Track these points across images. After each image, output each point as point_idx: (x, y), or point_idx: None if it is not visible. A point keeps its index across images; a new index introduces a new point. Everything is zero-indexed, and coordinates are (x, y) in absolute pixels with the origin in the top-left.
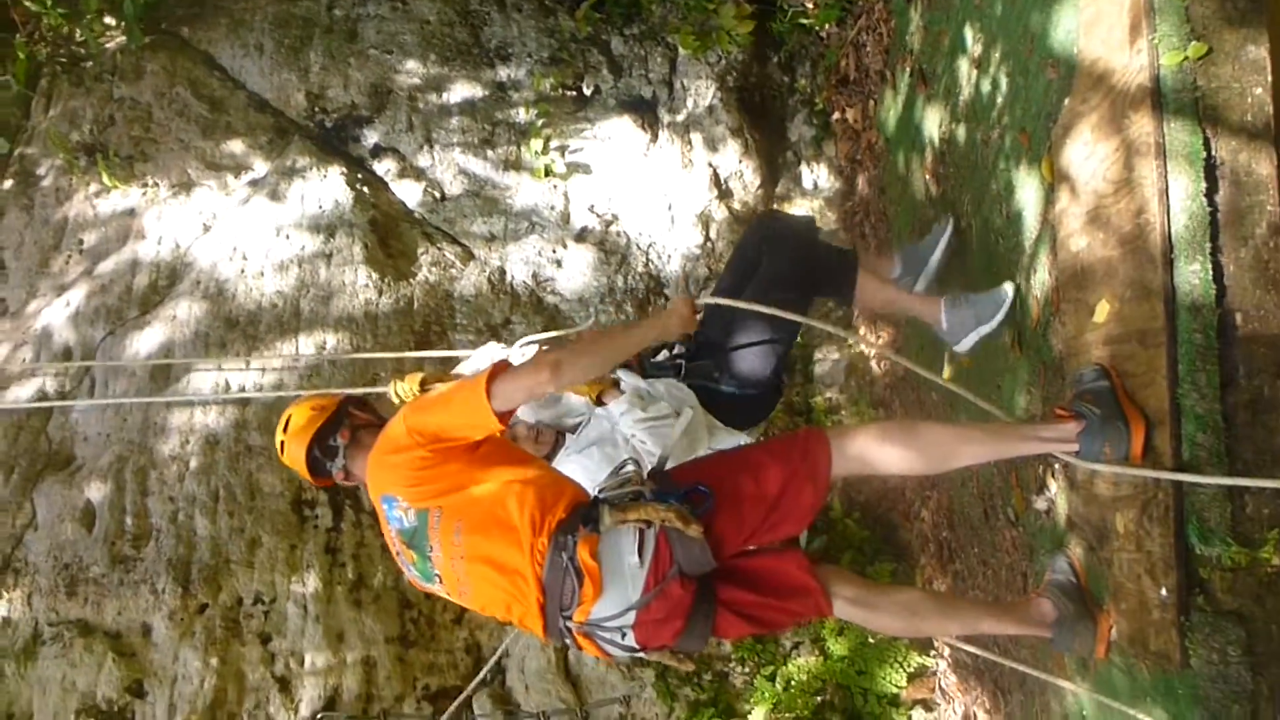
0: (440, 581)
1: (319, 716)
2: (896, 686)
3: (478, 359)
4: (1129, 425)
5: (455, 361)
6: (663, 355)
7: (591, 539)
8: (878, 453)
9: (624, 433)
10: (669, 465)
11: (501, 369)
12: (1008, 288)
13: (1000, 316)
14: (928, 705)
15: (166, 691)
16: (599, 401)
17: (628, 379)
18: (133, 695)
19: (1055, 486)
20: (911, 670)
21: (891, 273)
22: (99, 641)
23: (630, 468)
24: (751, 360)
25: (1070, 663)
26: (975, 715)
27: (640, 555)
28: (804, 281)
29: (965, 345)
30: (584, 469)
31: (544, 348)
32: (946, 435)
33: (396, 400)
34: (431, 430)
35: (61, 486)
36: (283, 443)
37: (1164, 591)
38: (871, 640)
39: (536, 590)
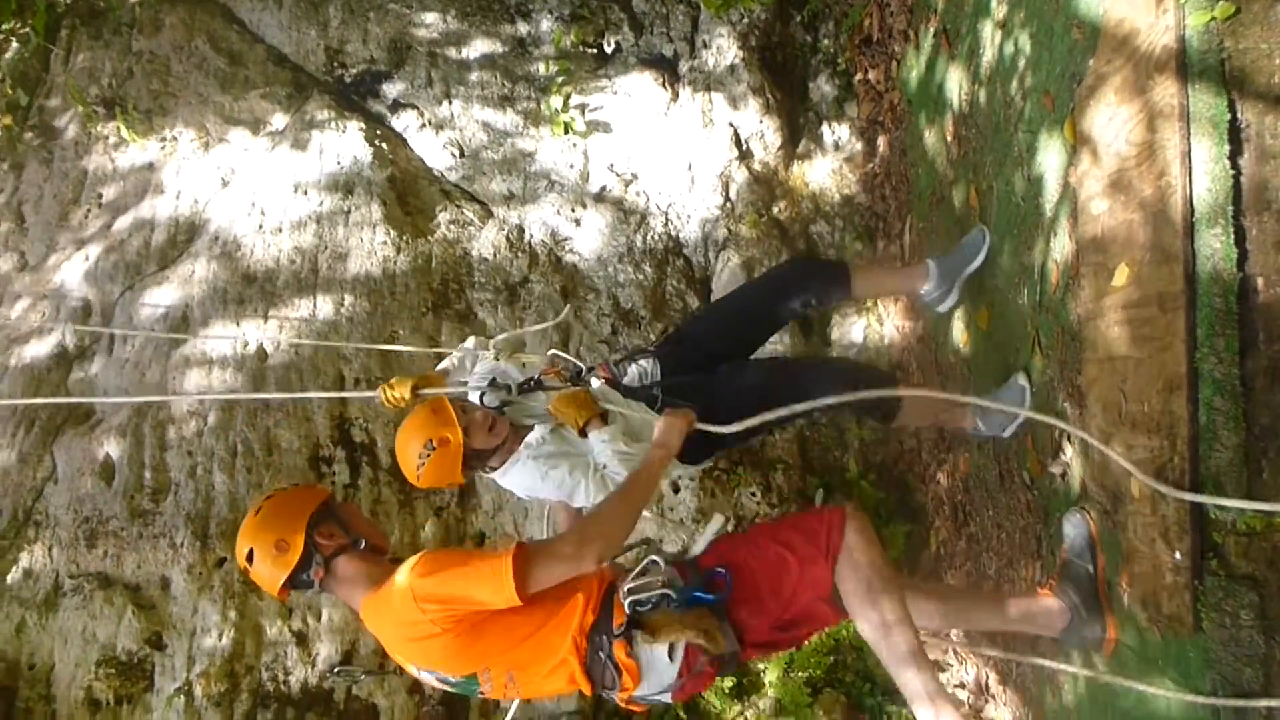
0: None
1: (336, 670)
2: None
3: (458, 355)
4: (1104, 631)
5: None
6: (633, 374)
7: (624, 643)
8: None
9: (598, 460)
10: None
11: (526, 552)
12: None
13: (981, 257)
14: (940, 666)
15: (185, 644)
16: (583, 433)
17: (606, 395)
18: (152, 647)
19: (1070, 451)
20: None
21: (925, 283)
22: (119, 594)
23: (657, 567)
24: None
25: None
26: (986, 676)
27: (671, 656)
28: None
29: (950, 302)
30: (539, 480)
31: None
32: (952, 600)
33: (388, 406)
34: (448, 608)
35: (81, 440)
36: (256, 572)
37: (1178, 555)
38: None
39: (585, 683)
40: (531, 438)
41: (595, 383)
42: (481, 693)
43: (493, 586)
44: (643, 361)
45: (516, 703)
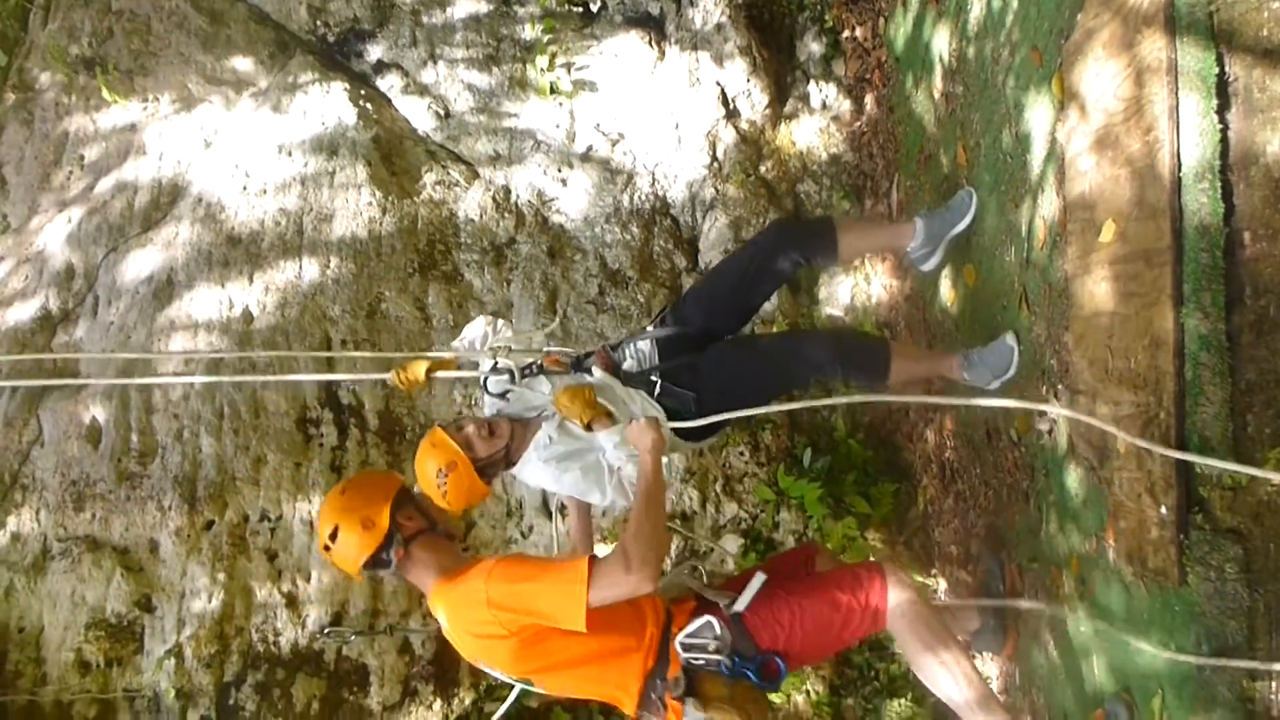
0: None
1: (326, 631)
2: None
3: (469, 334)
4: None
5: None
6: (631, 360)
7: (679, 704)
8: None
9: (611, 463)
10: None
11: (595, 572)
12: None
13: (969, 218)
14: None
15: (175, 606)
16: (588, 428)
17: (607, 388)
18: (141, 609)
19: (1059, 407)
20: None
21: (911, 241)
22: (107, 557)
23: (713, 630)
24: (735, 406)
25: (1067, 582)
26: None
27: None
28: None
29: (934, 261)
30: (555, 479)
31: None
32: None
33: (401, 387)
34: (519, 619)
35: (67, 404)
36: (339, 553)
37: (1163, 510)
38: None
39: (633, 710)
40: (539, 438)
41: (596, 372)
42: (537, 690)
43: (566, 609)
44: (640, 344)
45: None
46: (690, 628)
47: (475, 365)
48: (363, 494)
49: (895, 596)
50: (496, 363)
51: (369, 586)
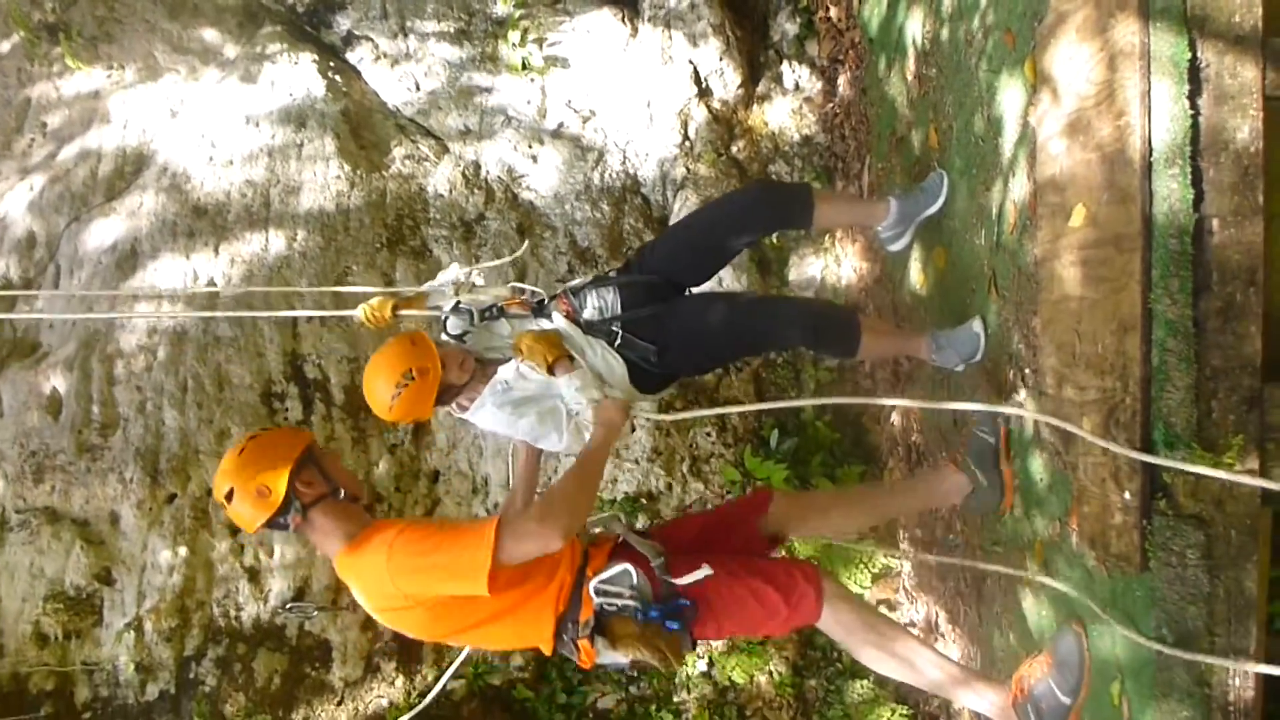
0: None
1: (288, 606)
2: (861, 587)
3: (442, 277)
4: (1003, 494)
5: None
6: (592, 307)
7: (588, 641)
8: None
9: (570, 406)
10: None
11: (499, 533)
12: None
13: (940, 202)
14: (891, 605)
15: (135, 579)
16: (550, 371)
17: (568, 330)
18: (101, 582)
19: (1024, 392)
20: (876, 571)
21: (884, 220)
22: (67, 529)
23: (630, 578)
24: (697, 359)
25: (1030, 567)
26: (937, 615)
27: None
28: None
29: (903, 242)
30: (509, 424)
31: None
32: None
33: (369, 325)
34: (424, 593)
35: (27, 373)
36: (235, 512)
37: (1127, 495)
38: (838, 541)
39: (549, 650)
40: (496, 381)
41: (557, 319)
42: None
43: (470, 578)
44: (603, 291)
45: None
46: (606, 574)
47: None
48: (262, 457)
49: (830, 609)
50: (459, 303)
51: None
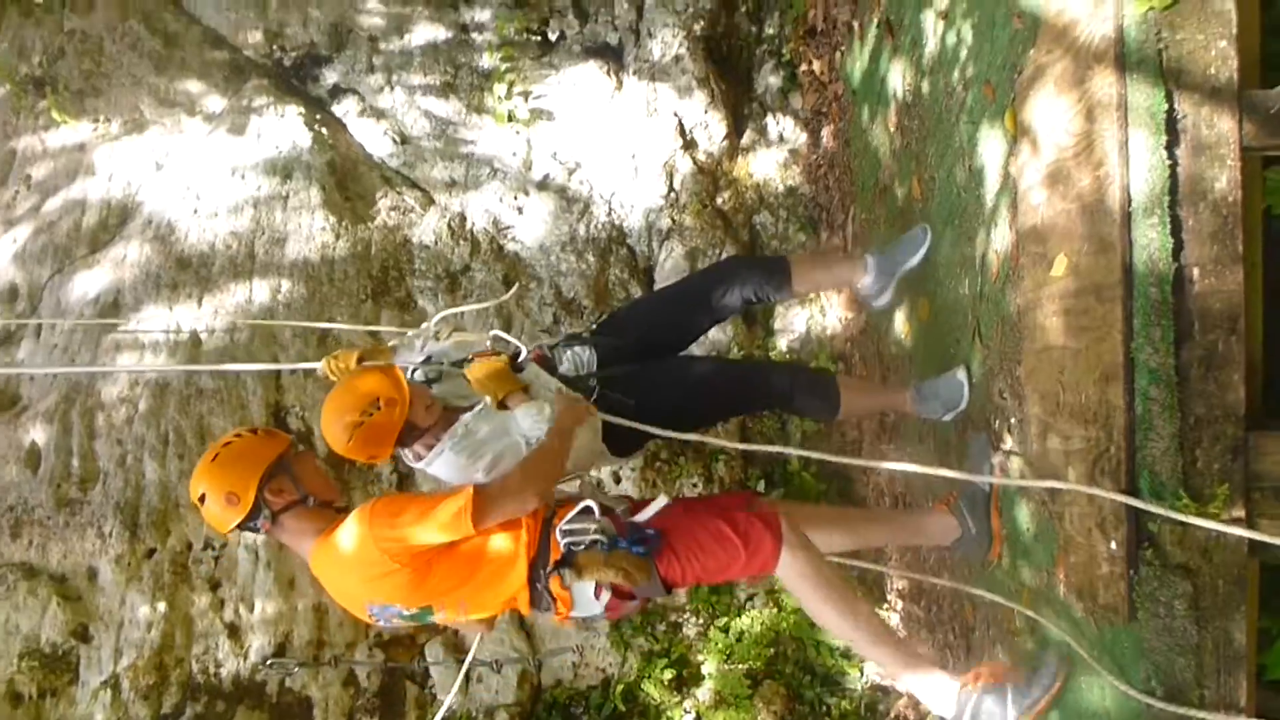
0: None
1: (268, 662)
2: None
3: (412, 334)
4: (990, 547)
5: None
6: (569, 362)
7: (558, 577)
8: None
9: (529, 435)
10: None
11: (481, 492)
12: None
13: (920, 254)
14: None
15: (113, 636)
16: (502, 405)
17: (537, 378)
18: (78, 639)
19: (1011, 441)
20: None
21: (862, 277)
22: (44, 585)
23: (592, 514)
24: (676, 418)
25: (1018, 618)
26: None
27: (597, 594)
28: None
29: (886, 298)
30: (465, 472)
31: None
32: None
33: (332, 377)
34: (408, 543)
35: (5, 427)
36: (210, 513)
37: (1113, 545)
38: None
39: (527, 608)
40: (455, 428)
41: (532, 367)
42: (435, 621)
43: (453, 525)
44: (579, 349)
45: (450, 696)
46: (569, 516)
47: (409, 361)
48: (234, 465)
49: (789, 557)
50: (429, 357)
51: (314, 617)
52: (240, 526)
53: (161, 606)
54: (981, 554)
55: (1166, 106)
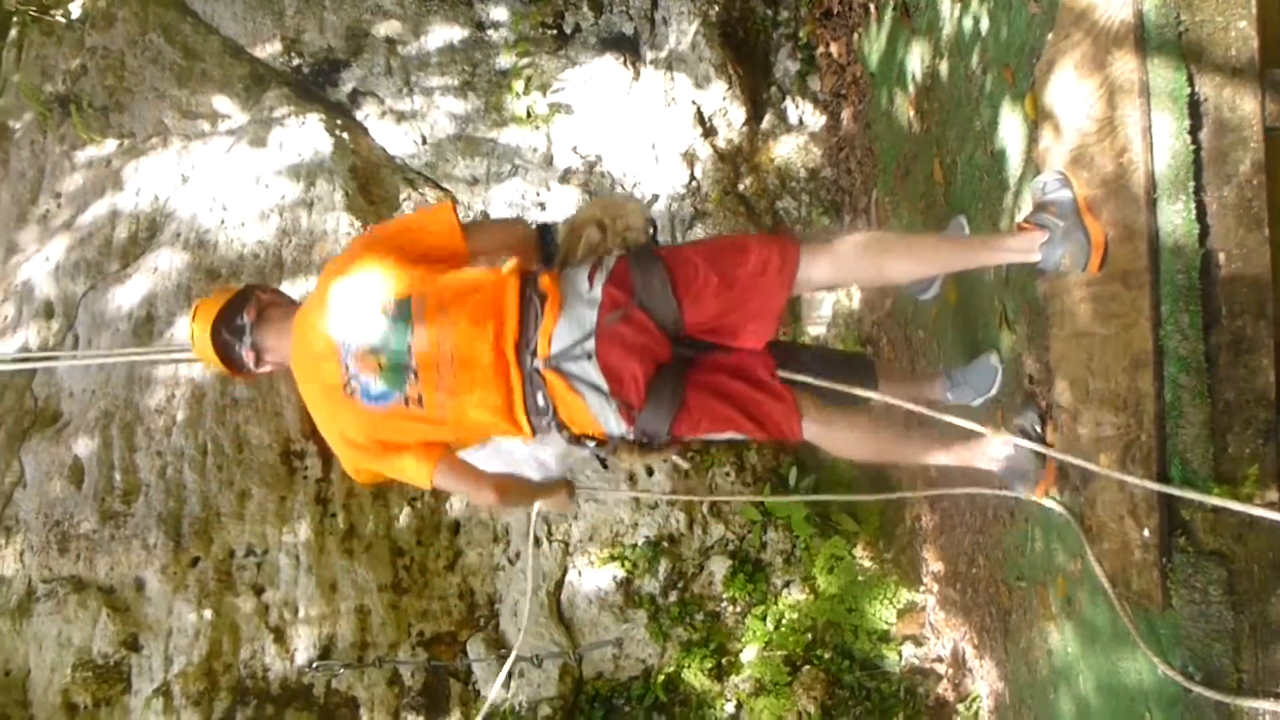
0: (413, 378)
1: (314, 665)
2: (886, 623)
3: None
4: (1089, 238)
5: None
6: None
7: (552, 272)
8: (852, 265)
9: (536, 457)
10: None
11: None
12: None
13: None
14: (917, 640)
15: (162, 644)
16: None
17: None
18: (128, 649)
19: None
20: (901, 607)
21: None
22: (93, 597)
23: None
24: None
25: (1054, 601)
26: (963, 650)
27: (592, 281)
28: None
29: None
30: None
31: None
32: (917, 247)
33: None
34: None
35: (49, 444)
36: (193, 330)
37: (1146, 532)
38: (861, 578)
39: (515, 324)
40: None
41: None
42: (409, 345)
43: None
44: None
45: (494, 691)
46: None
47: None
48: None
49: (809, 257)
50: None
51: (357, 619)
52: (226, 326)
53: (208, 614)
54: (1033, 479)
55: (1188, 89)
